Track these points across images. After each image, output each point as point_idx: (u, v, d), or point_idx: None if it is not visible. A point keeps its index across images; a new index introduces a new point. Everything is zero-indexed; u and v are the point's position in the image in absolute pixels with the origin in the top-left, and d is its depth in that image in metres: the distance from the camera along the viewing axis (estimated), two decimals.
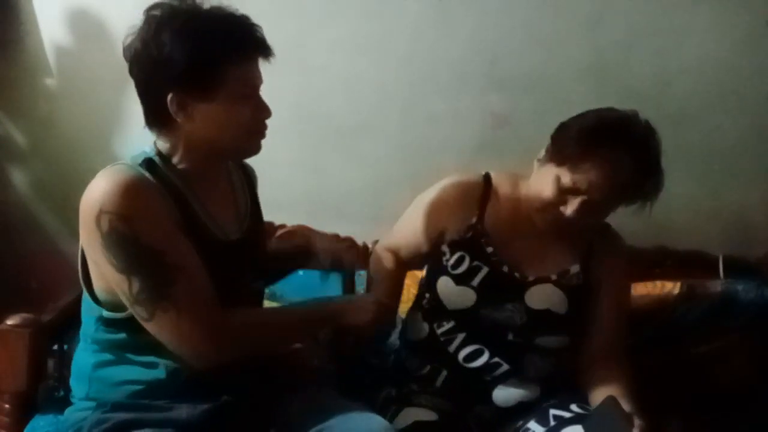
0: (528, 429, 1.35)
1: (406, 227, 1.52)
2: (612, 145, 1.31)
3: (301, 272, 1.94)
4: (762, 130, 1.99)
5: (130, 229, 1.11)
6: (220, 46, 1.15)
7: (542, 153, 1.40)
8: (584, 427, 1.27)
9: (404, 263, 1.54)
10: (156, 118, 1.20)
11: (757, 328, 1.75)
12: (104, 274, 1.16)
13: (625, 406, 1.29)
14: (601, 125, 1.34)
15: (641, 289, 1.81)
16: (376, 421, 1.25)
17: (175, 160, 1.23)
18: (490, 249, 1.42)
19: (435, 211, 1.47)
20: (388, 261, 1.52)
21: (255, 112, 1.22)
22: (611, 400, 1.28)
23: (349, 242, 1.55)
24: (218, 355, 1.20)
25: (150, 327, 1.17)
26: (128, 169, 1.17)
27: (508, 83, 2.00)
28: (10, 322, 1.41)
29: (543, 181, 1.36)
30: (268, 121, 1.25)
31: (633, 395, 1.34)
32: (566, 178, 1.32)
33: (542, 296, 1.40)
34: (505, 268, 1.41)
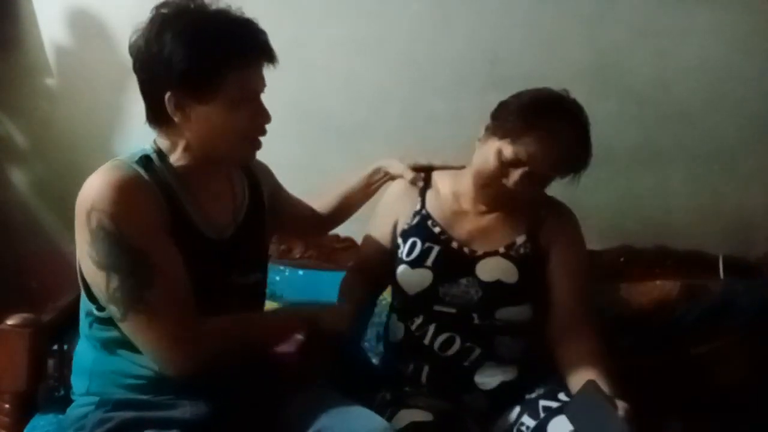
0: (522, 423, 1.37)
1: (369, 235, 1.59)
2: (550, 118, 1.39)
3: (300, 272, 1.95)
4: (762, 130, 1.99)
5: (116, 228, 1.13)
6: (219, 51, 1.16)
7: (482, 132, 1.47)
8: (566, 416, 1.27)
9: (371, 283, 1.59)
10: (156, 115, 1.21)
11: (757, 328, 1.75)
12: (86, 269, 1.18)
13: (603, 387, 1.29)
14: (540, 100, 1.43)
15: (641, 289, 1.81)
16: (376, 420, 1.25)
17: (172, 158, 1.24)
18: (437, 229, 1.50)
19: (384, 207, 1.57)
20: (354, 282, 1.58)
21: (253, 117, 1.22)
22: (591, 385, 1.26)
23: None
24: (187, 364, 1.19)
25: (123, 327, 1.18)
26: (123, 167, 1.19)
27: (508, 83, 1.98)
28: (10, 322, 1.41)
29: (485, 156, 1.43)
30: None
31: (608, 373, 1.34)
32: (508, 150, 1.39)
33: (492, 268, 1.46)
34: (455, 245, 1.49)
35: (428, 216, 1.52)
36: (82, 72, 2.08)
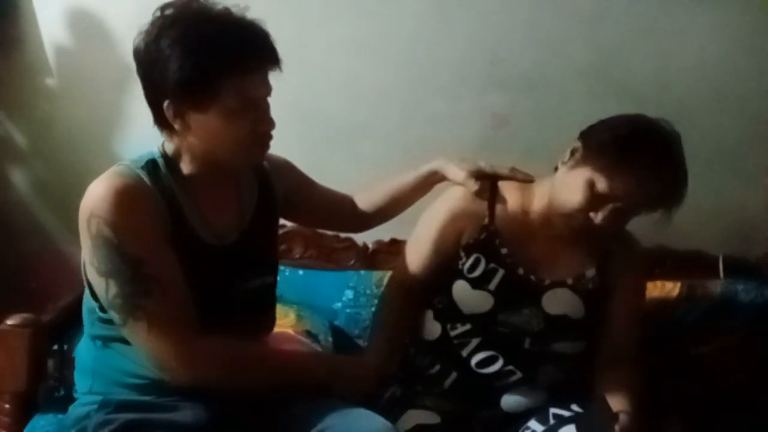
0: (528, 428, 1.35)
1: (422, 246, 1.47)
2: (651, 155, 1.29)
3: (301, 272, 1.95)
4: (762, 130, 1.99)
5: (114, 236, 1.13)
6: (215, 60, 1.13)
7: (567, 155, 1.36)
8: (576, 427, 1.28)
9: (416, 300, 1.48)
10: (159, 121, 1.20)
11: (757, 328, 1.75)
12: (89, 273, 1.19)
13: (620, 404, 1.29)
14: (640, 133, 1.32)
15: None
16: (377, 421, 1.24)
17: (178, 163, 1.24)
18: (504, 250, 1.40)
19: (450, 217, 1.44)
20: (399, 302, 1.47)
21: (255, 125, 1.19)
22: (600, 400, 1.29)
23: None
24: (183, 373, 1.19)
25: (124, 333, 1.18)
26: (126, 173, 1.19)
27: (508, 83, 2.00)
28: (10, 322, 1.41)
29: (572, 185, 1.32)
30: None
31: (635, 393, 1.34)
32: (602, 184, 1.29)
33: (559, 301, 1.39)
34: (521, 271, 1.40)
35: (496, 233, 1.41)
36: (82, 72, 2.08)
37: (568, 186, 1.34)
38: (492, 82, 2.00)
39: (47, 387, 1.50)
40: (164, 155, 1.24)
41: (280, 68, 1.20)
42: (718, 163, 2.00)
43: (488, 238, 1.41)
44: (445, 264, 1.44)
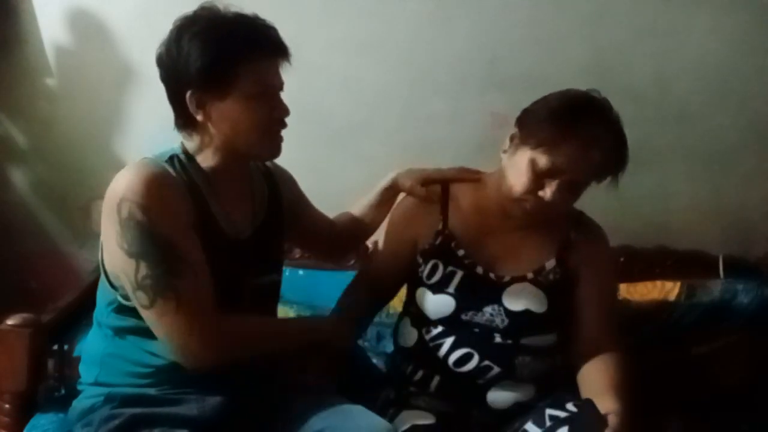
0: (525, 431, 1.34)
1: (382, 254, 1.52)
2: (586, 122, 1.30)
3: (301, 272, 1.95)
4: (762, 130, 1.99)
5: (146, 218, 1.17)
6: (231, 45, 1.21)
7: (507, 143, 1.38)
8: (569, 430, 1.27)
9: (378, 299, 1.54)
10: (182, 118, 1.26)
11: (757, 328, 1.75)
12: (114, 259, 1.21)
13: (609, 403, 1.28)
14: (571, 103, 1.33)
15: (641, 289, 1.81)
16: (376, 421, 1.25)
17: (198, 158, 1.29)
18: (461, 252, 1.41)
19: (401, 223, 1.48)
20: (359, 296, 1.52)
21: (271, 111, 1.26)
22: (587, 403, 1.28)
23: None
24: (207, 354, 1.21)
25: (148, 315, 1.20)
26: (153, 164, 1.24)
27: (508, 83, 2.00)
28: (10, 322, 1.41)
29: (516, 168, 1.33)
30: None
31: (621, 389, 1.32)
32: (543, 160, 1.29)
33: (520, 297, 1.38)
34: (480, 270, 1.40)
35: (451, 236, 1.41)
36: (82, 72, 2.08)
37: (512, 172, 1.34)
38: (491, 81, 2.01)
39: (47, 387, 1.50)
40: (185, 152, 1.29)
41: (289, 61, 1.28)
42: (718, 163, 2.00)
43: (443, 243, 1.42)
44: (407, 270, 1.46)
